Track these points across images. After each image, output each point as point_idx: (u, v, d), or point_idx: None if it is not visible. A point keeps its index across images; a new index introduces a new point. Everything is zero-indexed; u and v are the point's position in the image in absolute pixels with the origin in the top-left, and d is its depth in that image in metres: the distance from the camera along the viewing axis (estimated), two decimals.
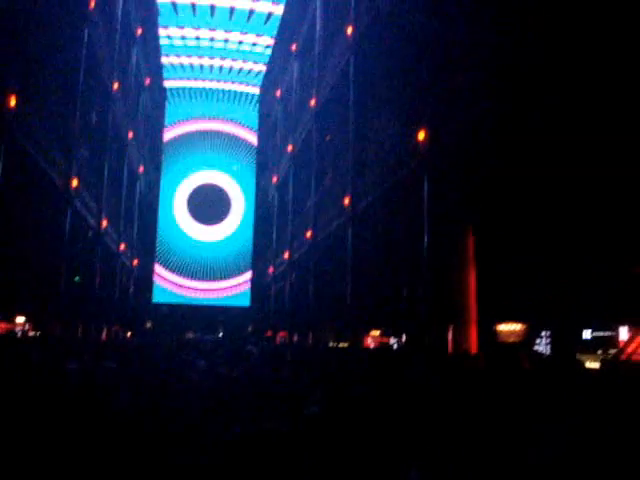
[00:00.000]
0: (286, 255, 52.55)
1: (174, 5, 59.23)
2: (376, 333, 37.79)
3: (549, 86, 14.72)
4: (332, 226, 35.33)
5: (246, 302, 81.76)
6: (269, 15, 60.56)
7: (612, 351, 18.88)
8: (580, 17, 13.94)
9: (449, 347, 21.45)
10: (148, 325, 74.31)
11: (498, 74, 16.47)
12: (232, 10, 59.88)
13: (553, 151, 14.99)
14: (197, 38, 65.97)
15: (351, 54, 31.86)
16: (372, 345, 37.80)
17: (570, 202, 16.05)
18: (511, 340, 23.91)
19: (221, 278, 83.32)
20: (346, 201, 30.62)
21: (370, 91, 29.98)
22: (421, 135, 19.64)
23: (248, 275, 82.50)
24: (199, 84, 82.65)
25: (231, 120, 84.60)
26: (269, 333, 59.31)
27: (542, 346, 24.50)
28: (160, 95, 78.41)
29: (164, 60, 71.77)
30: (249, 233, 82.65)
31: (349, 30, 32.38)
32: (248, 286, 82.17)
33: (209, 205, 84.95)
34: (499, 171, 17.26)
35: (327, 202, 37.89)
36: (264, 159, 77.47)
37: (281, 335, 54.97)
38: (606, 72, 13.37)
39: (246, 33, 65.25)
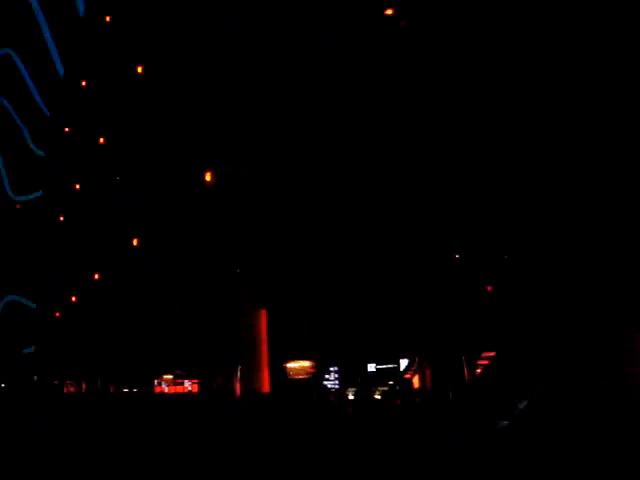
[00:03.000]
0: (74, 298, 49.93)
1: None
2: (169, 377, 36.84)
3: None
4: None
5: None
6: None
7: (391, 383, 19.98)
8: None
9: (238, 388, 21.43)
10: None
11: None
12: None
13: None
14: None
15: (140, 92, 31.41)
16: (167, 390, 36.66)
17: (350, 248, 16.92)
18: (301, 377, 24.41)
19: None
20: (134, 241, 29.81)
21: (160, 132, 29.68)
22: (207, 176, 19.76)
23: None
24: None
25: None
26: (57, 382, 55.86)
27: (331, 381, 25.28)
28: None
29: None
30: None
31: (139, 69, 31.96)
32: None
33: None
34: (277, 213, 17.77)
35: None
36: None
37: (68, 383, 51.91)
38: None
39: None
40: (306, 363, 24.29)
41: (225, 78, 20.18)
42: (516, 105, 13.33)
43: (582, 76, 12.28)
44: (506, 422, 10.48)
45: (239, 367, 21.47)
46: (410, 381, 17.91)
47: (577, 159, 12.75)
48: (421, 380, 16.67)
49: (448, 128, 13.99)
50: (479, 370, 15.25)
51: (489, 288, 14.78)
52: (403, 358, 20.58)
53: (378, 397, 19.30)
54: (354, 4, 15.56)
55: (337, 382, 24.82)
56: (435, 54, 13.66)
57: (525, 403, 11.03)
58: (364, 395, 19.10)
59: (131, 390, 36.66)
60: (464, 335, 14.74)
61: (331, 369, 24.92)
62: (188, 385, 35.29)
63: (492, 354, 15.05)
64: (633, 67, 11.66)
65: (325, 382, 24.99)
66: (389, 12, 13.55)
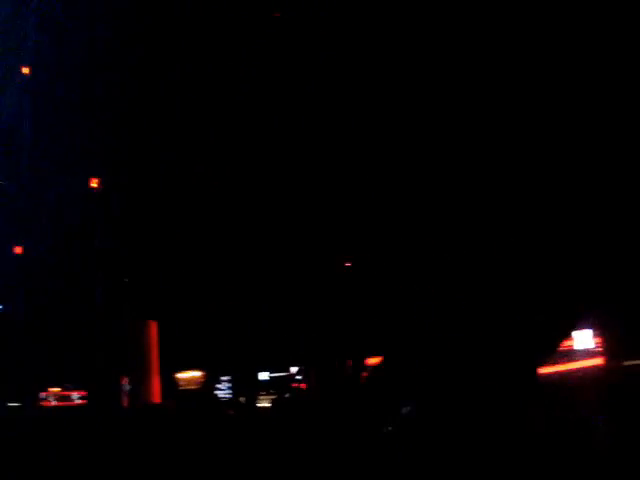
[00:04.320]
0: None
1: None
2: (56, 390, 35.44)
3: None
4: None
5: None
6: None
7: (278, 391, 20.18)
8: None
9: (125, 399, 21.00)
10: None
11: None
12: None
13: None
14: None
15: (26, 95, 30.34)
16: (54, 403, 35.16)
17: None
18: (191, 387, 24.16)
19: None
20: (18, 249, 28.70)
21: (48, 136, 28.74)
22: (94, 183, 19.31)
23: None
24: None
25: None
26: None
27: (223, 391, 25.15)
28: None
29: None
30: None
31: (25, 70, 30.84)
32: None
33: None
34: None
35: None
36: None
37: None
38: None
39: None
40: (197, 373, 24.10)
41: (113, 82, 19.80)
42: (403, 105, 13.69)
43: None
44: (390, 427, 10.74)
45: (129, 379, 21.03)
46: (299, 388, 18.10)
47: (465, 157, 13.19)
48: (309, 387, 16.87)
49: (336, 130, 14.21)
50: (365, 376, 15.55)
51: (374, 295, 15.11)
52: (293, 366, 20.78)
53: (268, 405, 19.40)
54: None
55: (229, 391, 24.75)
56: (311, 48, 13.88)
57: (409, 408, 11.33)
58: (251, 404, 19.17)
59: (15, 403, 35.05)
60: (350, 341, 15.01)
61: (223, 379, 24.83)
62: (77, 398, 34.08)
63: (378, 360, 15.40)
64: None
65: (217, 392, 24.86)
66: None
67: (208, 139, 15.15)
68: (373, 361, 15.58)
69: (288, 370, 21.96)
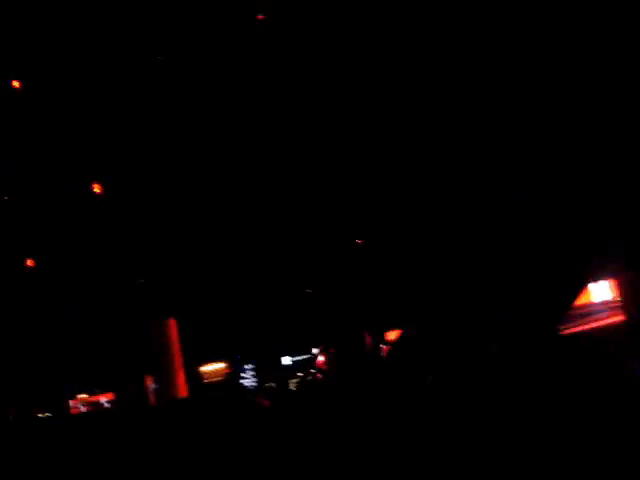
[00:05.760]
0: None
1: None
2: (84, 396, 35.65)
3: None
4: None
5: None
6: None
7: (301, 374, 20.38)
8: None
9: (152, 397, 21.23)
10: None
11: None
12: None
13: None
14: None
15: None
16: (84, 409, 35.33)
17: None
18: (216, 379, 24.36)
19: None
20: (29, 262, 28.83)
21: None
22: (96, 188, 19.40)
23: None
24: None
25: None
26: None
27: (248, 380, 25.34)
28: None
29: None
30: None
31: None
32: None
33: None
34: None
35: None
36: None
37: None
38: None
39: None
40: (220, 365, 24.27)
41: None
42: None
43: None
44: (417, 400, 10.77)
45: (153, 377, 21.26)
46: (320, 369, 18.26)
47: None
48: (330, 366, 17.01)
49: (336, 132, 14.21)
50: (385, 349, 15.63)
51: (388, 269, 15.16)
52: (315, 347, 20.91)
53: (293, 388, 19.63)
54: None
55: (254, 380, 24.93)
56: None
57: (432, 377, 11.37)
58: (283, 389, 19.36)
59: (45, 412, 35.27)
60: (367, 317, 15.09)
61: (246, 367, 25.01)
62: (105, 402, 34.24)
63: (397, 332, 15.44)
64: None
65: (242, 381, 25.05)
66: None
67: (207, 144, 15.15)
68: (392, 335, 15.65)
69: (310, 352, 22.12)
